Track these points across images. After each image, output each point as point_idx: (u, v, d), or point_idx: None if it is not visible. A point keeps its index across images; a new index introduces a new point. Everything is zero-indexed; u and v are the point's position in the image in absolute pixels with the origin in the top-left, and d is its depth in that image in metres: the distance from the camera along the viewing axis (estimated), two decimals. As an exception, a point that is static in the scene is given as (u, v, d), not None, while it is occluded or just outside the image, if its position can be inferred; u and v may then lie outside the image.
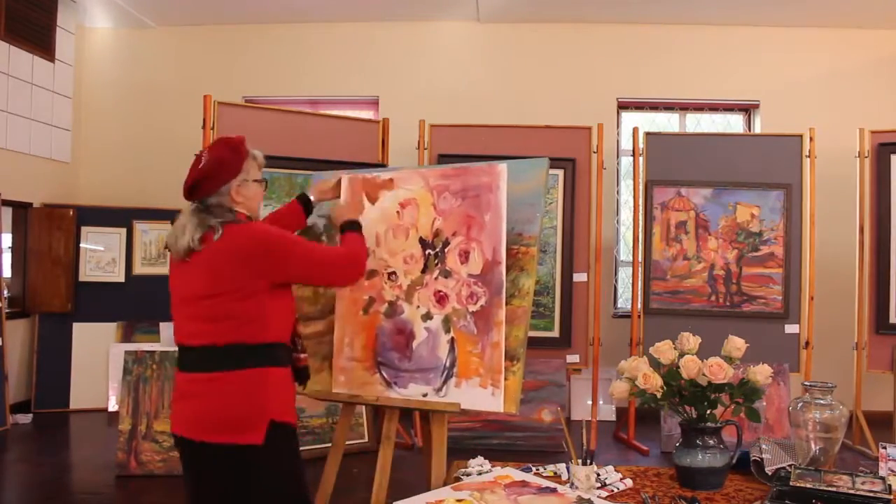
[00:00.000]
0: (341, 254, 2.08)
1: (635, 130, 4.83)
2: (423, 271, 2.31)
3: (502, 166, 2.23)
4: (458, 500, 1.74)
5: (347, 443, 3.18)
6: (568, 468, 2.02)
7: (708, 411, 1.96)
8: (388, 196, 2.40)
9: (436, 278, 2.28)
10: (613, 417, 5.31)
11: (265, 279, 1.85)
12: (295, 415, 1.93)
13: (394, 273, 2.35)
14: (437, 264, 2.28)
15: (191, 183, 1.91)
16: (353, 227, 2.20)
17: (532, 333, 4.15)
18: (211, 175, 1.89)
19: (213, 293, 1.82)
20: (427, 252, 2.31)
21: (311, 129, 4.65)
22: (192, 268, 1.87)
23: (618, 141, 5.85)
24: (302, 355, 2.12)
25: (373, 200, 2.43)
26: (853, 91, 5.62)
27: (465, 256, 2.24)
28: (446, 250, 2.27)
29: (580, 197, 4.76)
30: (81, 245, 5.48)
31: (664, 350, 2.02)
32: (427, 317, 2.28)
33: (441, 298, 2.26)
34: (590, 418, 4.86)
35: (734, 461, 1.96)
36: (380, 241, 2.39)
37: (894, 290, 4.59)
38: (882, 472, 1.92)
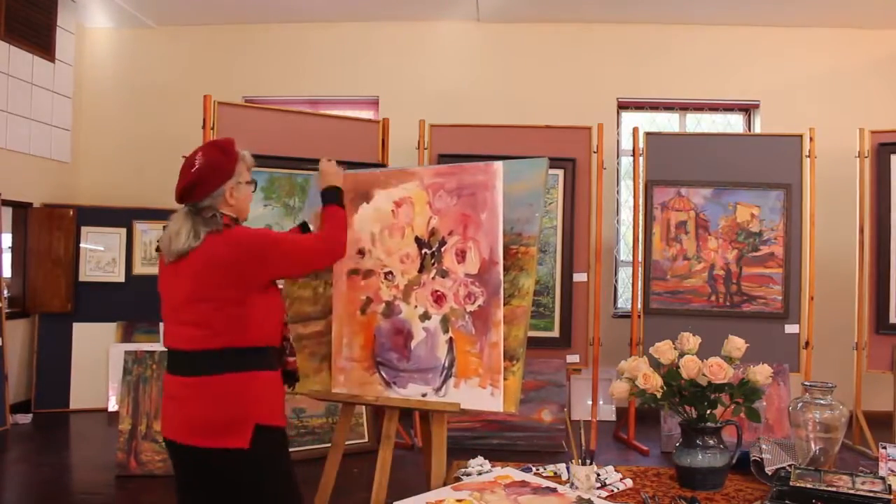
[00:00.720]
0: (319, 238, 2.12)
1: (635, 130, 4.83)
2: (420, 271, 2.30)
3: (498, 165, 2.23)
4: (458, 500, 1.74)
5: (347, 443, 3.18)
6: (568, 468, 2.02)
7: (708, 411, 1.96)
8: (383, 194, 2.40)
9: (433, 278, 2.27)
10: (613, 417, 5.31)
11: (249, 283, 1.86)
12: (284, 418, 1.93)
13: (390, 273, 2.35)
14: (433, 264, 2.28)
15: (183, 186, 1.91)
16: (334, 197, 2.22)
17: (532, 333, 4.15)
18: (205, 179, 1.90)
19: (198, 298, 1.83)
20: (423, 251, 2.31)
21: (311, 129, 4.65)
22: (179, 271, 1.89)
23: (618, 141, 5.85)
24: (290, 358, 2.13)
25: (367, 199, 2.42)
26: (853, 91, 5.62)
27: (461, 256, 2.24)
28: (443, 250, 2.27)
29: (580, 197, 4.76)
30: (81, 245, 5.48)
31: (664, 350, 2.02)
32: (425, 317, 2.28)
33: (439, 298, 2.26)
34: (590, 418, 4.86)
35: (734, 461, 1.96)
36: (375, 241, 2.38)
37: (894, 290, 4.59)
38: (882, 472, 1.92)
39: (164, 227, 1.97)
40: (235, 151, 1.99)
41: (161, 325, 5.26)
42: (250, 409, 1.81)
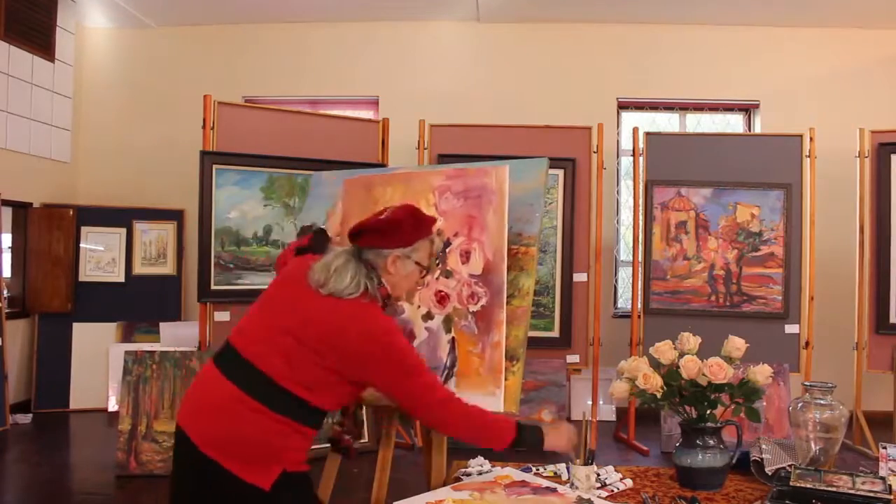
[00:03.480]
0: (450, 395, 1.82)
1: (635, 130, 4.83)
2: (424, 271, 2.31)
3: (504, 167, 2.23)
4: (458, 500, 1.74)
5: (347, 443, 3.18)
6: (568, 468, 2.02)
7: (708, 411, 1.96)
8: (388, 195, 2.40)
9: (437, 278, 2.28)
10: (613, 417, 5.31)
11: (348, 373, 1.74)
12: (307, 465, 1.81)
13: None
14: (438, 264, 2.28)
15: (360, 227, 1.83)
16: (526, 440, 1.85)
17: (532, 333, 4.14)
18: (382, 232, 1.81)
19: (298, 339, 1.71)
20: (428, 252, 2.31)
21: (311, 129, 4.66)
22: (304, 298, 1.77)
23: (618, 141, 5.85)
24: (347, 437, 2.10)
25: (374, 200, 2.43)
26: (853, 91, 5.62)
27: (466, 256, 2.24)
28: (448, 250, 2.27)
29: (580, 197, 4.76)
30: (81, 245, 5.48)
31: (664, 350, 2.02)
32: (428, 317, 2.28)
33: (442, 298, 2.26)
34: (590, 418, 4.85)
35: (734, 461, 1.96)
36: None
37: (894, 290, 4.59)
38: (882, 472, 1.92)
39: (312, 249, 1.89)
40: (426, 228, 1.88)
41: (161, 324, 5.30)
42: (283, 455, 1.71)
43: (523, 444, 1.83)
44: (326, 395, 1.75)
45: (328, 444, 2.34)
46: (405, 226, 1.83)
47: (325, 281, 1.75)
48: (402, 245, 1.83)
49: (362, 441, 4.40)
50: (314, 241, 2.05)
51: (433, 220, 1.92)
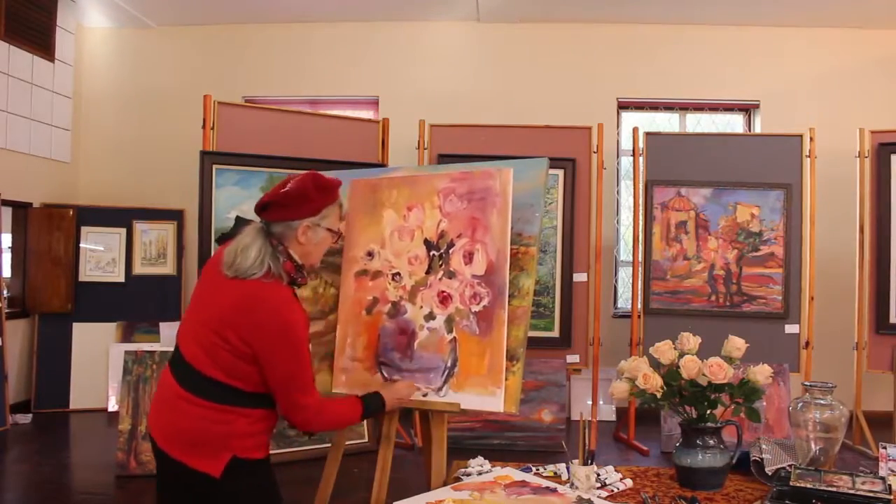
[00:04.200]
0: (317, 408, 1.83)
1: (635, 130, 4.83)
2: (428, 272, 2.31)
3: (509, 170, 2.23)
4: (458, 500, 1.74)
5: (347, 443, 3.19)
6: (568, 468, 2.02)
7: (708, 411, 1.96)
8: (394, 198, 2.41)
9: (440, 279, 2.28)
10: (613, 417, 5.32)
11: (246, 350, 1.74)
12: (266, 449, 1.83)
13: (398, 274, 2.36)
14: (441, 265, 2.28)
15: (265, 201, 1.82)
16: (370, 405, 2.02)
17: (532, 333, 4.15)
18: (287, 204, 1.81)
19: (219, 332, 1.74)
20: (432, 253, 2.31)
21: (311, 129, 4.66)
22: (226, 289, 1.78)
23: (618, 141, 5.85)
24: None
25: (379, 202, 2.43)
26: (853, 91, 5.62)
27: (469, 257, 2.24)
28: (451, 252, 2.28)
29: (580, 197, 4.76)
30: (81, 245, 5.48)
31: (664, 350, 2.02)
32: (430, 317, 2.28)
33: (444, 299, 2.26)
34: (590, 418, 4.86)
35: (734, 461, 1.96)
36: (385, 243, 2.39)
37: (894, 290, 4.59)
38: (882, 472, 1.92)
39: (228, 236, 1.86)
40: (332, 193, 1.87)
41: (161, 324, 5.29)
42: (228, 442, 1.74)
43: (371, 414, 2.07)
44: (249, 380, 1.76)
45: (328, 445, 2.34)
46: (311, 194, 1.83)
47: (232, 261, 1.77)
48: (310, 214, 1.83)
49: (361, 441, 4.40)
50: (233, 227, 2.03)
51: (338, 183, 1.91)
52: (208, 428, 1.73)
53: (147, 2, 5.56)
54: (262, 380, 1.78)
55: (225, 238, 1.96)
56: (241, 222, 2.04)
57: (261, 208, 1.84)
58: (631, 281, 4.89)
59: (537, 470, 2.12)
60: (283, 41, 5.93)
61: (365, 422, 4.46)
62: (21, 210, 5.33)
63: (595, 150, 4.79)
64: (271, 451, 1.91)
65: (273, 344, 1.73)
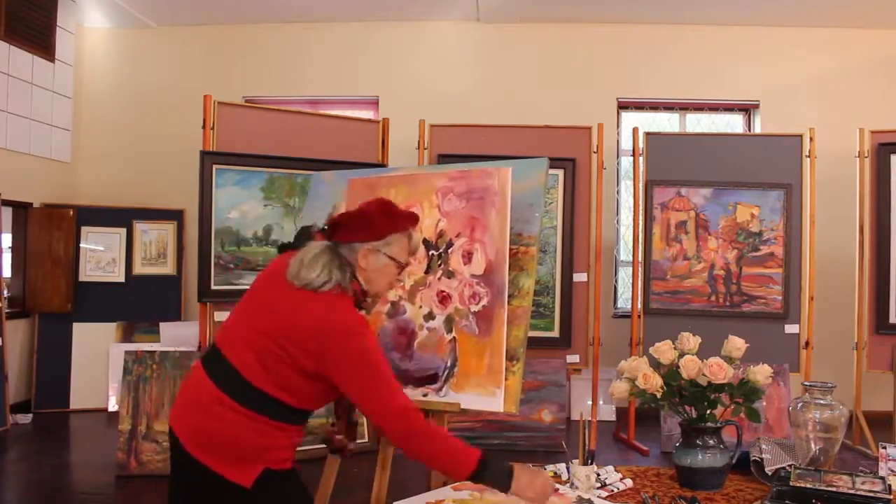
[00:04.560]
0: (415, 410, 1.72)
1: (635, 130, 4.83)
2: (427, 272, 2.31)
3: (508, 169, 2.23)
4: (458, 500, 1.74)
5: (347, 443, 3.18)
6: (568, 468, 2.02)
7: (708, 411, 1.96)
8: (392, 197, 2.40)
9: (439, 279, 2.28)
10: (613, 417, 5.31)
11: (311, 368, 1.70)
12: (292, 462, 1.80)
13: (397, 274, 2.36)
14: (440, 265, 2.28)
15: (335, 220, 1.84)
16: (491, 470, 1.70)
17: (532, 333, 4.14)
18: (350, 225, 1.82)
19: (280, 343, 1.70)
20: (430, 253, 2.31)
21: (311, 129, 4.65)
22: (279, 295, 1.76)
23: (618, 141, 5.85)
24: (338, 436, 2.08)
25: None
26: (853, 91, 5.62)
27: (468, 257, 2.24)
28: (450, 251, 2.28)
29: (580, 197, 4.76)
30: (81, 245, 5.48)
31: (664, 350, 2.02)
32: (429, 317, 2.28)
33: (444, 298, 2.26)
34: (590, 418, 4.86)
35: (734, 461, 1.96)
36: None
37: (894, 290, 4.59)
38: (882, 472, 1.92)
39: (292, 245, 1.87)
40: (401, 222, 1.85)
41: (161, 324, 5.30)
42: (265, 454, 1.71)
43: (484, 481, 1.71)
44: (302, 396, 1.74)
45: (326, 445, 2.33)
46: (375, 218, 1.83)
47: (297, 272, 1.75)
48: (372, 238, 1.81)
49: (362, 441, 4.40)
50: (297, 239, 2.02)
51: (410, 216, 1.90)
52: (245, 437, 1.69)
53: (147, 2, 5.56)
54: (314, 396, 1.75)
55: (286, 248, 1.95)
56: (304, 233, 2.06)
57: (330, 229, 1.84)
58: (631, 281, 4.89)
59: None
60: (283, 41, 5.93)
61: (365, 422, 4.46)
62: (21, 210, 5.33)
63: (595, 150, 4.79)
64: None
65: (348, 364, 1.69)
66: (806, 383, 2.12)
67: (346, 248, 1.80)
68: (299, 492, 1.82)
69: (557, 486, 1.86)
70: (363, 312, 1.86)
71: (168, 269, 5.70)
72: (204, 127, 4.28)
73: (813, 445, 2.03)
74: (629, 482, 2.00)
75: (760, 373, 1.97)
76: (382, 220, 1.83)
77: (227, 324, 1.84)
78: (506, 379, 2.13)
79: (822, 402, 2.05)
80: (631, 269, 4.94)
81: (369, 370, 1.70)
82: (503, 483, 1.69)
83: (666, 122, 6.03)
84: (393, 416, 1.70)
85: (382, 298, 2.36)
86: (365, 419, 4.43)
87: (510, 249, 2.20)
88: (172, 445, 1.78)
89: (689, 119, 6.01)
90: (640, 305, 4.68)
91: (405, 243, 1.87)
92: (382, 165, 4.72)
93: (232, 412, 1.69)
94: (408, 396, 1.77)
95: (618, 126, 5.88)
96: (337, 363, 1.68)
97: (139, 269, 5.61)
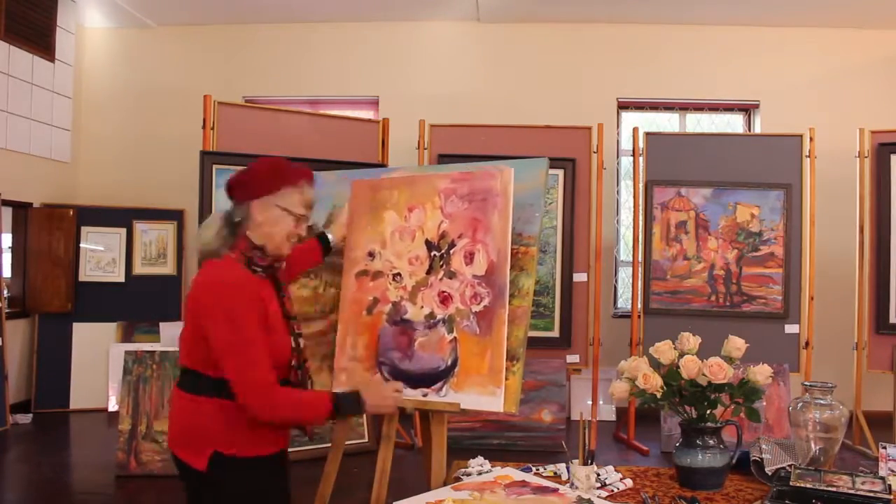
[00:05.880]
0: (268, 393, 1.73)
1: (635, 130, 4.83)
2: (428, 272, 2.31)
3: (510, 170, 2.23)
4: (458, 500, 1.74)
5: (347, 443, 3.18)
6: (568, 468, 2.02)
7: (708, 411, 1.96)
8: (395, 199, 2.41)
9: (440, 279, 2.28)
10: (613, 417, 5.32)
11: (200, 331, 1.76)
12: (255, 448, 1.79)
13: (399, 274, 2.36)
14: (442, 266, 2.28)
15: (229, 183, 1.90)
16: (343, 405, 1.84)
17: (532, 333, 4.14)
18: (242, 182, 1.87)
19: (189, 321, 1.81)
20: (432, 254, 2.31)
21: (311, 129, 4.66)
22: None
23: (618, 141, 5.85)
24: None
25: (381, 203, 2.43)
26: (853, 91, 5.62)
27: (469, 258, 2.24)
28: (451, 252, 2.28)
29: (580, 197, 4.76)
30: (81, 245, 5.48)
31: (664, 350, 2.02)
32: (430, 317, 2.28)
33: (445, 299, 2.26)
34: (590, 418, 4.86)
35: (734, 461, 1.96)
36: (386, 244, 2.39)
37: (894, 290, 4.59)
38: (882, 472, 1.92)
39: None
40: (290, 176, 1.88)
41: (161, 324, 5.30)
42: (209, 435, 1.76)
43: (343, 413, 1.86)
44: (209, 363, 1.78)
45: (328, 445, 2.33)
46: (262, 174, 1.88)
47: (196, 244, 1.87)
48: (263, 193, 1.85)
49: (362, 441, 4.40)
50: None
51: (303, 172, 1.92)
52: (191, 420, 1.80)
53: (147, 2, 5.56)
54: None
55: None
56: (325, 240, 2.22)
57: (227, 193, 1.90)
58: (631, 281, 4.89)
59: (537, 470, 2.12)
60: (283, 41, 5.93)
61: (365, 422, 4.46)
62: (21, 210, 5.33)
63: (595, 150, 4.79)
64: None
65: (214, 322, 1.72)
66: (806, 383, 2.12)
67: (242, 207, 1.86)
68: (263, 481, 1.83)
69: (558, 485, 1.87)
70: (261, 275, 1.85)
71: (168, 269, 5.70)
72: (204, 127, 4.29)
73: (813, 445, 2.03)
74: (629, 482, 2.00)
75: (760, 373, 1.96)
76: (270, 175, 1.88)
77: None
78: (506, 379, 2.13)
79: (822, 402, 2.05)
80: (631, 269, 4.94)
81: (232, 330, 1.71)
82: (358, 409, 1.89)
83: (666, 122, 6.03)
84: (252, 390, 1.72)
85: (384, 299, 2.36)
86: (364, 416, 4.44)
87: (511, 249, 2.20)
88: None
89: (689, 119, 6.02)
90: (640, 305, 4.68)
91: (297, 197, 1.89)
92: (382, 165, 4.72)
93: (185, 401, 1.81)
94: (269, 369, 1.75)
95: (618, 126, 5.89)
96: (206, 318, 1.73)
97: (139, 269, 5.62)
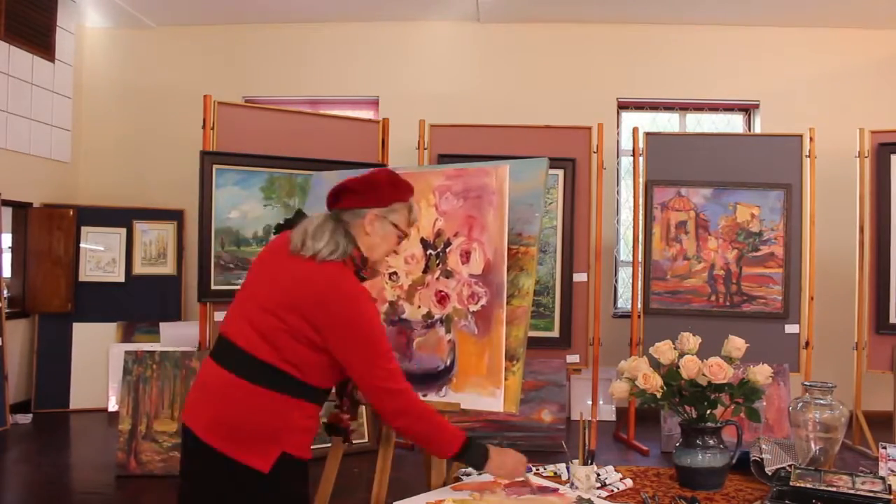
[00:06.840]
0: (411, 391, 1.75)
1: (635, 130, 4.83)
2: (425, 271, 2.31)
3: (505, 167, 2.23)
4: (458, 500, 1.74)
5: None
6: (568, 468, 2.02)
7: (708, 411, 1.96)
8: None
9: (437, 278, 2.28)
10: (613, 417, 5.31)
11: (312, 337, 1.70)
12: (310, 452, 1.79)
13: (395, 273, 2.35)
14: (438, 264, 2.28)
15: (337, 188, 1.83)
16: (473, 451, 1.84)
17: (532, 333, 4.15)
18: (358, 190, 1.82)
19: (277, 313, 1.70)
20: (428, 252, 2.31)
21: (311, 129, 4.66)
22: (280, 273, 1.77)
23: (618, 141, 5.85)
24: (345, 415, 2.08)
25: None
26: (853, 91, 5.62)
27: (466, 256, 2.24)
28: (448, 251, 2.27)
29: (580, 197, 4.76)
30: (81, 245, 5.48)
31: (664, 350, 2.02)
32: (428, 316, 2.28)
33: (442, 298, 2.26)
34: (590, 418, 4.85)
35: (734, 461, 1.96)
36: None
37: (894, 290, 4.59)
38: (882, 472, 1.92)
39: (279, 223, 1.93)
40: (404, 192, 1.86)
41: (161, 324, 5.30)
42: (283, 435, 1.70)
43: (465, 460, 1.83)
44: (307, 370, 1.72)
45: (328, 445, 2.34)
46: (382, 185, 1.84)
47: (302, 243, 1.75)
48: (378, 204, 1.82)
49: (362, 441, 4.40)
50: (292, 219, 2.01)
51: (411, 188, 1.91)
52: (260, 418, 1.68)
53: (147, 2, 5.56)
54: (319, 370, 1.74)
55: (283, 228, 1.96)
56: (301, 214, 2.04)
57: (333, 197, 1.84)
58: (631, 281, 4.89)
59: (537, 470, 2.12)
60: (283, 41, 5.93)
61: (365, 422, 4.46)
62: (21, 210, 5.33)
63: (595, 150, 4.79)
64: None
65: (346, 332, 1.69)
66: (806, 383, 2.12)
67: (351, 213, 1.81)
68: (307, 484, 1.81)
69: (558, 485, 1.86)
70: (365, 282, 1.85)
71: (168, 269, 5.70)
72: (204, 127, 4.28)
73: (813, 445, 2.03)
74: (629, 482, 2.00)
75: (760, 373, 1.97)
76: (389, 187, 1.84)
77: (230, 310, 1.84)
78: (506, 379, 2.13)
79: (822, 402, 2.05)
80: (631, 269, 4.94)
81: (366, 340, 1.70)
82: (479, 465, 1.83)
83: (666, 122, 6.03)
84: (387, 393, 1.72)
85: (380, 298, 2.36)
86: (364, 416, 4.44)
87: (510, 250, 2.20)
88: (184, 439, 1.77)
89: (689, 119, 6.01)
90: (640, 305, 4.68)
91: (406, 214, 1.88)
92: (382, 165, 4.72)
93: (245, 393, 1.68)
94: (404, 375, 1.77)
95: (618, 126, 5.88)
96: (335, 330, 1.68)
97: (139, 269, 5.61)
